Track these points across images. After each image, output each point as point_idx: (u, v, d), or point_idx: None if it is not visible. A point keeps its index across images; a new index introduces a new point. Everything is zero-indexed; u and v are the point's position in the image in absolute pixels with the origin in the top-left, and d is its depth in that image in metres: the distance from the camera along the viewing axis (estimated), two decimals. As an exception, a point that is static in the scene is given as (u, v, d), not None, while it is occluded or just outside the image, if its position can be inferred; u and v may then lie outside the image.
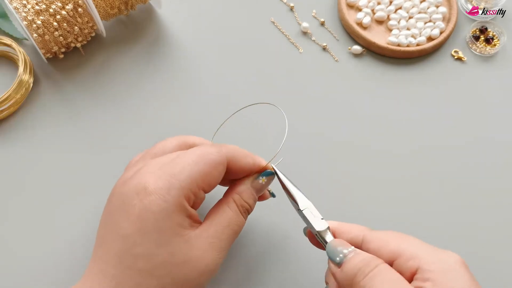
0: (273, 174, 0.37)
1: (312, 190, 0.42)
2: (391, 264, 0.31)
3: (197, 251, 0.33)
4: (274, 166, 0.38)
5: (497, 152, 0.49)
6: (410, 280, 0.30)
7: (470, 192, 0.47)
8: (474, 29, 0.55)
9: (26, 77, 0.48)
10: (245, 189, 0.36)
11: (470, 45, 0.54)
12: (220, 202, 0.36)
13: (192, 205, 0.34)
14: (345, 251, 0.32)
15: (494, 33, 0.55)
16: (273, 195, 0.40)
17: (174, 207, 0.32)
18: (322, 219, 0.35)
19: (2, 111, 0.47)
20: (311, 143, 0.48)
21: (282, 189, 0.37)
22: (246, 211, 0.36)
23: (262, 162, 0.37)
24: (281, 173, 0.37)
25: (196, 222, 0.34)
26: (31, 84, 0.49)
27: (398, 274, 0.30)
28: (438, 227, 0.44)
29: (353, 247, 0.33)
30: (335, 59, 0.53)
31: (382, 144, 0.48)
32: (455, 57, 0.54)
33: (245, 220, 0.36)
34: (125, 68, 0.51)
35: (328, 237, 0.35)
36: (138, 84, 0.51)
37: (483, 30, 0.55)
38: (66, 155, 0.47)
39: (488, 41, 0.54)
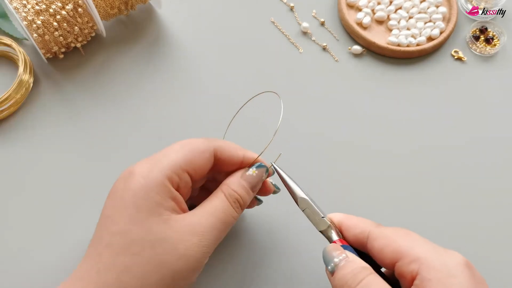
0: (265, 166, 0.37)
1: (312, 190, 0.42)
2: (394, 264, 0.31)
3: (175, 233, 0.32)
4: (274, 164, 0.37)
5: (497, 152, 0.49)
6: (410, 283, 0.30)
7: (470, 192, 0.47)
8: (474, 29, 0.55)
9: (26, 77, 0.48)
10: (234, 180, 0.36)
11: (470, 45, 0.54)
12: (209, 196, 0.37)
13: (177, 189, 0.34)
14: (336, 260, 0.32)
15: (494, 33, 0.55)
16: (276, 187, 0.40)
17: (154, 185, 0.32)
18: (323, 217, 0.35)
19: (2, 111, 0.47)
20: (311, 143, 0.48)
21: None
22: (236, 200, 0.35)
23: (254, 156, 0.37)
24: (282, 170, 0.37)
25: (182, 209, 0.34)
26: (31, 84, 0.49)
27: (385, 286, 0.30)
28: (438, 227, 0.44)
29: (345, 253, 0.32)
30: (335, 59, 0.53)
31: (382, 144, 0.48)
32: (455, 57, 0.54)
33: (235, 211, 0.35)
34: (125, 68, 0.51)
35: (333, 235, 0.34)
36: (138, 84, 0.51)
37: (483, 30, 0.54)
38: (66, 155, 0.47)
39: (488, 41, 0.54)
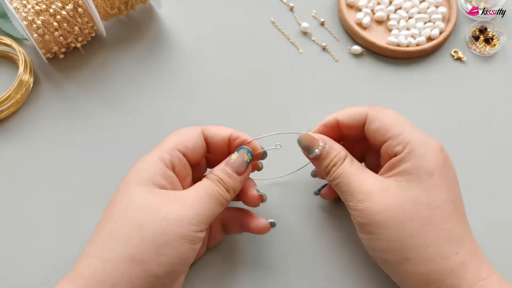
0: (245, 148, 0.38)
1: (311, 193, 0.42)
2: (382, 143, 0.38)
3: (158, 200, 0.34)
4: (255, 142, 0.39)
5: (497, 152, 0.49)
6: (389, 159, 0.37)
7: (470, 192, 0.46)
8: (474, 29, 0.55)
9: (26, 77, 0.48)
10: (217, 167, 0.38)
11: (470, 45, 0.54)
12: None
13: (172, 169, 0.37)
14: (317, 151, 0.38)
15: (493, 33, 0.55)
16: (266, 154, 0.40)
17: (148, 165, 0.36)
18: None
19: (2, 111, 0.47)
20: (311, 143, 0.48)
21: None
22: (218, 180, 0.37)
23: (242, 134, 0.39)
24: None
25: (176, 189, 0.37)
26: (31, 84, 0.49)
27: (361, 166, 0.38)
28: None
29: (322, 143, 0.38)
30: (335, 59, 0.53)
31: (382, 144, 0.49)
32: (455, 57, 0.54)
33: (221, 188, 0.36)
34: (125, 68, 0.51)
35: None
36: (138, 83, 0.51)
37: (482, 30, 0.55)
38: (66, 155, 0.47)
39: (488, 41, 0.54)
